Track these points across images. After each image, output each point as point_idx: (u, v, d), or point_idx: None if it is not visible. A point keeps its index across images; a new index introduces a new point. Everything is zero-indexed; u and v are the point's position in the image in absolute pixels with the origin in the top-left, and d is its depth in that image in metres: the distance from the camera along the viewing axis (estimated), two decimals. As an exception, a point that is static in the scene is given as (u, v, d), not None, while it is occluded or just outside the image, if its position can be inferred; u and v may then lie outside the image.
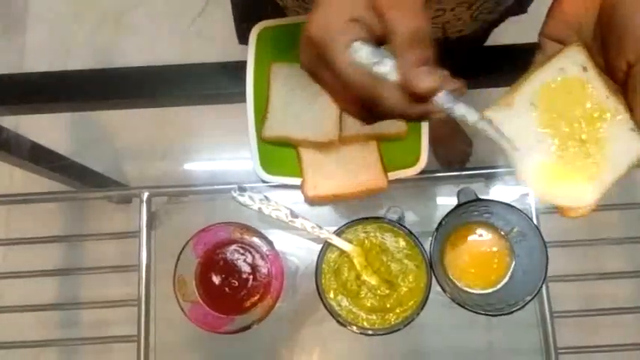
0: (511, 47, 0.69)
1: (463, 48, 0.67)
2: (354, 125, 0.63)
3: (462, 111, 0.33)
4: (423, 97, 0.32)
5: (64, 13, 1.50)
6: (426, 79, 0.31)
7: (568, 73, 0.40)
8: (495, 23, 0.75)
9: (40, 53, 1.47)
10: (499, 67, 0.69)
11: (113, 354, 0.78)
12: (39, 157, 0.91)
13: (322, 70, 0.34)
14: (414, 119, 0.34)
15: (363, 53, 0.32)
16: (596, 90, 0.39)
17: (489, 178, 0.67)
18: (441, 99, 0.32)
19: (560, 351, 0.63)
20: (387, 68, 0.32)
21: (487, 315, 0.54)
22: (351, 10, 0.32)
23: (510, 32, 0.79)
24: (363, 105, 0.34)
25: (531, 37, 0.64)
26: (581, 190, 0.39)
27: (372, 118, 0.35)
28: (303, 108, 0.63)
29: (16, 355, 0.68)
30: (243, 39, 0.71)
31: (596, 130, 0.39)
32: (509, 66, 0.68)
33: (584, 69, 0.40)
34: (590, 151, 0.39)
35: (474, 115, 0.34)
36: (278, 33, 0.65)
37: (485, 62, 0.69)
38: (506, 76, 0.66)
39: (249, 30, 0.65)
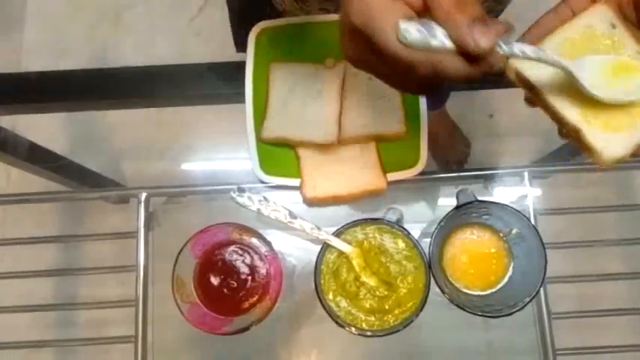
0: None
1: None
2: (353, 126, 0.63)
3: (520, 49, 0.33)
4: (483, 56, 0.31)
5: (62, 13, 1.49)
6: (483, 37, 0.30)
7: (596, 29, 0.38)
8: (498, 14, 0.74)
9: (37, 52, 1.47)
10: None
11: (111, 355, 0.78)
12: (36, 157, 0.91)
13: (373, 58, 0.33)
14: (480, 78, 0.33)
15: (412, 31, 0.31)
16: (625, 45, 0.38)
17: (488, 180, 0.67)
18: (501, 48, 0.32)
19: (557, 352, 0.63)
20: (441, 39, 0.31)
21: (486, 316, 0.54)
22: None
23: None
24: (423, 81, 0.33)
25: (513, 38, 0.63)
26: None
27: (434, 89, 0.35)
28: (302, 109, 0.63)
29: (13, 356, 0.68)
30: (240, 46, 0.71)
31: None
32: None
33: (613, 26, 0.38)
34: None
35: (532, 49, 0.34)
36: (277, 34, 0.65)
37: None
38: (491, 77, 0.66)
39: (246, 36, 0.65)
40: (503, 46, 0.32)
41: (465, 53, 0.31)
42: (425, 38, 0.31)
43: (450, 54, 0.32)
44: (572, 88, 0.38)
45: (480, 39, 0.30)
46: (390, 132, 0.63)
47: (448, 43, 0.31)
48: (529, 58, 0.34)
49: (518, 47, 0.33)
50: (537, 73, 0.38)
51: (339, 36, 0.34)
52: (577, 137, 0.39)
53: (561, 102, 0.38)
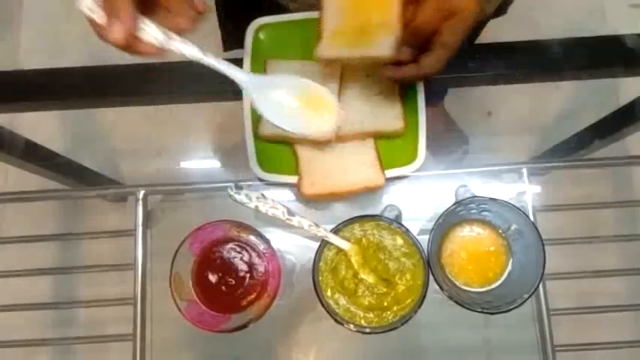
0: (519, 44, 0.69)
1: (466, 47, 0.67)
2: (351, 123, 0.63)
3: (177, 47, 0.46)
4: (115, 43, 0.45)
5: (59, 11, 1.48)
6: (111, 32, 0.45)
7: None
8: (476, 30, 0.75)
9: (34, 51, 1.46)
10: (508, 64, 0.68)
11: (109, 353, 0.78)
12: (33, 155, 0.91)
13: None
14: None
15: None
16: None
17: (486, 176, 0.67)
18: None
19: (557, 348, 0.63)
20: (99, 16, 0.46)
21: (485, 313, 0.54)
22: None
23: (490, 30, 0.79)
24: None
25: (510, 36, 0.64)
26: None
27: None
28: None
29: (11, 355, 0.68)
30: (227, 43, 0.70)
31: None
32: (519, 63, 0.68)
33: None
34: None
35: (193, 51, 0.47)
36: (274, 30, 0.65)
37: (493, 59, 0.69)
38: (507, 74, 0.66)
39: (235, 31, 0.64)
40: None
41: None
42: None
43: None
44: None
45: (107, 34, 0.44)
46: (388, 129, 0.62)
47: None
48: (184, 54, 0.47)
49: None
50: None
51: None
52: None
53: None
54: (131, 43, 0.44)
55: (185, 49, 0.45)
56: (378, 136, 0.63)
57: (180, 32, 0.46)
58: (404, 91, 0.64)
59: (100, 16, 0.43)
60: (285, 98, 0.51)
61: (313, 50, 0.57)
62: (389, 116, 0.63)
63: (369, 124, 0.62)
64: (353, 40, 0.57)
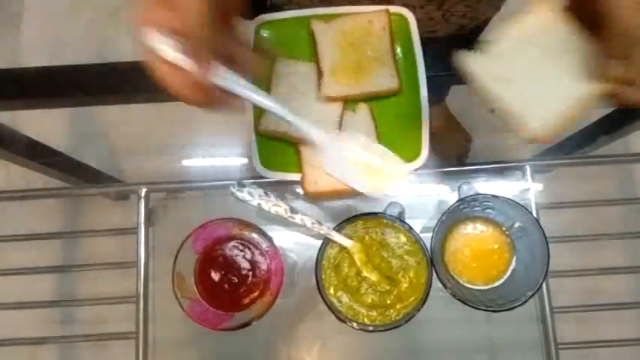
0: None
1: (437, 49, 0.67)
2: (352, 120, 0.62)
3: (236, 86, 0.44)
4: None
5: (60, 9, 1.48)
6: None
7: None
8: (474, 31, 0.74)
9: (36, 48, 1.46)
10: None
11: (112, 351, 0.78)
12: (35, 153, 0.91)
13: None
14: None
15: (157, 42, 0.40)
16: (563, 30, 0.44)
17: (490, 173, 0.67)
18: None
19: (560, 346, 0.63)
20: (172, 56, 0.40)
21: (488, 311, 0.54)
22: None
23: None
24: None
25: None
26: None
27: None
28: (303, 106, 0.62)
29: (14, 353, 0.68)
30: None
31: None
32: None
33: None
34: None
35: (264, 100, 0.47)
36: (277, 27, 0.65)
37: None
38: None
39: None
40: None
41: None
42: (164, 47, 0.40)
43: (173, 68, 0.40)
44: None
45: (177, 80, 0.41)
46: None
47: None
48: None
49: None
50: None
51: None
52: None
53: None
54: (209, 93, 0.41)
55: (259, 99, 0.45)
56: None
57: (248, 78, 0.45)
58: (405, 83, 0.64)
59: (178, 58, 0.40)
60: (355, 155, 0.51)
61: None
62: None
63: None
64: (353, 76, 0.62)
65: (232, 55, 0.43)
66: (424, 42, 0.64)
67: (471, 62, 0.44)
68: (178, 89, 0.41)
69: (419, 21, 0.65)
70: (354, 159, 0.52)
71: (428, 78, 0.63)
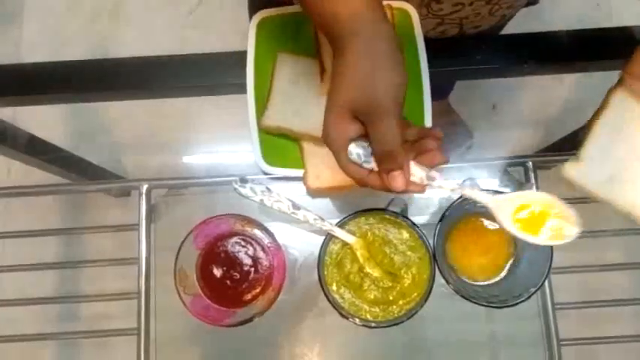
0: (527, 36, 0.68)
1: (472, 40, 0.67)
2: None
3: (435, 183, 0.45)
4: (399, 189, 0.44)
5: (60, 5, 1.48)
6: (395, 182, 0.43)
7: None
8: (510, 18, 0.74)
9: (36, 44, 1.46)
10: (516, 56, 0.68)
11: (113, 347, 0.78)
12: (36, 150, 0.91)
13: None
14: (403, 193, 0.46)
15: (354, 154, 0.44)
16: None
17: (492, 170, 0.67)
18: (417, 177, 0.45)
19: (562, 342, 0.63)
20: (371, 165, 0.44)
21: (491, 307, 0.54)
22: (339, 127, 0.43)
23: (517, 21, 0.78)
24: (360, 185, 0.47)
25: (517, 28, 0.63)
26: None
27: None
28: (305, 102, 0.62)
29: (16, 349, 0.68)
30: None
31: None
32: (527, 55, 0.68)
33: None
34: None
35: (451, 184, 0.46)
36: (279, 22, 0.65)
37: (500, 52, 0.68)
38: (514, 66, 0.65)
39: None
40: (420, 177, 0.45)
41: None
42: (362, 161, 0.44)
43: (375, 174, 0.45)
44: None
45: (393, 183, 0.43)
46: None
47: (375, 169, 0.44)
48: (445, 188, 0.46)
49: (436, 183, 0.45)
50: None
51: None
52: None
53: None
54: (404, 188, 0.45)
55: (445, 184, 0.46)
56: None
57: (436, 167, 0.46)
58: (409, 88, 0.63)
59: (371, 165, 0.44)
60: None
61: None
62: None
63: None
64: None
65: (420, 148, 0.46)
66: (467, 38, 0.62)
67: (572, 173, 0.44)
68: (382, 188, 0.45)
69: (464, 18, 0.64)
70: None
71: (431, 74, 0.63)
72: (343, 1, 0.41)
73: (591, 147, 0.45)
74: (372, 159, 0.44)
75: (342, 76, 0.42)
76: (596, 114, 0.45)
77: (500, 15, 0.69)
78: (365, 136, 0.44)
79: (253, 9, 0.74)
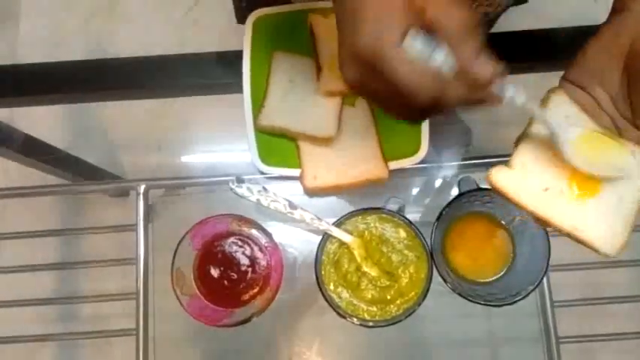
0: (524, 33, 0.68)
1: None
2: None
3: (512, 92, 0.36)
4: (484, 85, 0.33)
5: (57, 4, 1.48)
6: (486, 67, 0.33)
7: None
8: (497, 16, 0.74)
9: (33, 44, 1.45)
10: (514, 54, 0.68)
11: (112, 348, 0.78)
12: (33, 150, 0.90)
13: (376, 82, 0.34)
14: (475, 105, 0.36)
15: (419, 42, 0.32)
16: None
17: (489, 167, 0.67)
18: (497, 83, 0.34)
19: (561, 340, 0.63)
20: (442, 57, 0.32)
21: (489, 305, 0.54)
22: (396, 20, 0.32)
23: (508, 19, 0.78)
24: (424, 106, 0.34)
25: (515, 25, 0.63)
26: (622, 160, 0.40)
27: (427, 117, 0.39)
28: (302, 101, 0.62)
29: (14, 351, 0.68)
30: (242, 19, 0.69)
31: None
32: (525, 52, 0.67)
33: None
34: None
35: (522, 97, 0.37)
36: (275, 21, 0.64)
37: (498, 49, 0.68)
38: (512, 63, 0.65)
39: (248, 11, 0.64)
40: (499, 84, 0.35)
41: (468, 81, 0.33)
42: (429, 52, 0.32)
43: (453, 80, 0.33)
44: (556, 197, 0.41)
45: (484, 68, 0.33)
46: None
47: (450, 63, 0.33)
48: (515, 103, 0.37)
49: (511, 90, 0.36)
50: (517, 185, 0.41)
51: (339, 61, 0.35)
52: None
53: (549, 213, 0.41)
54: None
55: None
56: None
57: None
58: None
59: (440, 59, 0.33)
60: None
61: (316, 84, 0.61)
62: None
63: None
64: None
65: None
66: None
67: (500, 179, 0.41)
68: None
69: None
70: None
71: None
72: None
73: (524, 153, 0.41)
74: (441, 49, 0.32)
75: None
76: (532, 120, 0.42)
77: (483, 13, 0.69)
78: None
79: (240, 9, 0.74)
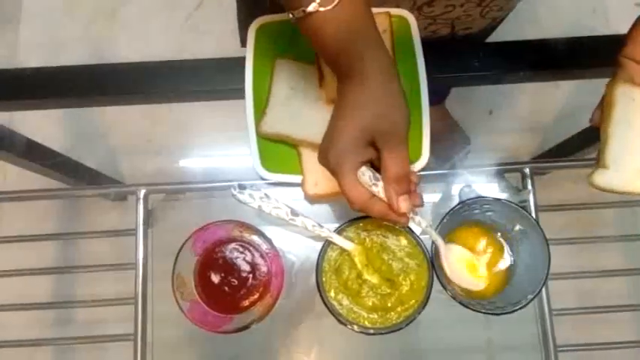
0: (523, 43, 0.69)
1: (470, 47, 0.67)
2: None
3: (418, 219, 0.51)
4: (399, 213, 0.47)
5: (58, 9, 1.48)
6: (404, 204, 0.47)
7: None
8: (502, 20, 0.74)
9: (33, 48, 1.45)
10: (512, 63, 0.68)
11: (110, 353, 0.77)
12: (33, 154, 0.90)
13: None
14: (391, 222, 0.51)
15: (365, 177, 0.47)
16: None
17: (489, 176, 0.67)
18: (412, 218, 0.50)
19: (559, 349, 0.63)
20: (377, 189, 0.47)
21: (489, 314, 0.54)
22: (355, 156, 0.46)
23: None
24: (355, 210, 0.49)
25: (513, 35, 0.63)
26: None
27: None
28: (304, 108, 0.62)
29: (11, 355, 0.67)
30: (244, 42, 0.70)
31: None
32: (523, 62, 0.68)
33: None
34: None
35: (424, 223, 0.52)
36: (277, 29, 0.65)
37: (497, 59, 0.69)
38: (511, 73, 0.66)
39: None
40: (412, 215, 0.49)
41: (390, 207, 0.48)
42: (370, 183, 0.47)
43: (380, 201, 0.48)
44: None
45: (402, 205, 0.47)
46: None
47: (382, 194, 0.47)
48: (421, 225, 0.51)
49: (417, 219, 0.50)
50: None
51: (319, 147, 0.48)
52: None
53: None
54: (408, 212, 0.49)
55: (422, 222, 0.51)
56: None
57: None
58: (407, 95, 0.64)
59: (377, 189, 0.47)
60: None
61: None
62: None
63: None
64: None
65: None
66: (458, 41, 0.63)
67: (600, 181, 0.46)
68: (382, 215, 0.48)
69: (456, 19, 0.65)
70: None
71: (429, 80, 0.63)
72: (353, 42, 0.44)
73: (611, 149, 0.45)
74: (379, 183, 0.47)
75: (363, 106, 0.45)
76: (606, 115, 0.46)
77: (491, 17, 0.69)
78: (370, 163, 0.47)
79: (242, 19, 0.74)
